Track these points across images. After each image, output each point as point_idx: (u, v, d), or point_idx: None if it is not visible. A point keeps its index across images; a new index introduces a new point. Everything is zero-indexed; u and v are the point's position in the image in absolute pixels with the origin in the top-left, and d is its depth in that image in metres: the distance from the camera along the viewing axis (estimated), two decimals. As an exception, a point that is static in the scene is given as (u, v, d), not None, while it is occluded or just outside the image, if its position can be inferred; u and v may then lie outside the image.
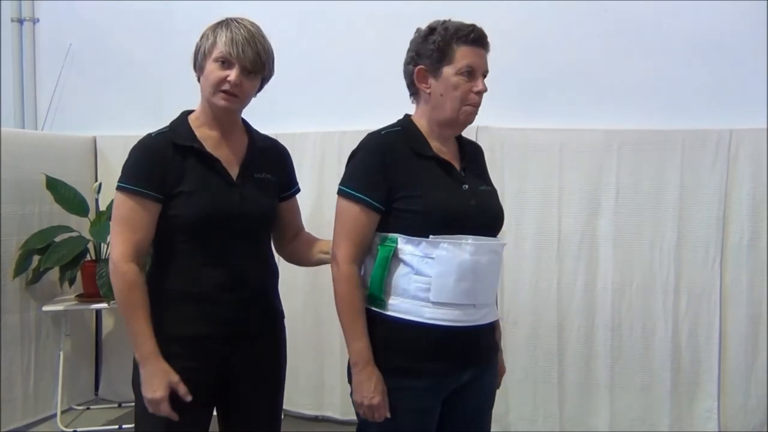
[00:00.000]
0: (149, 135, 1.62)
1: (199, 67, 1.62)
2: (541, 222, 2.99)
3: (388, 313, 1.57)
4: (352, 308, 1.57)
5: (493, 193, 1.68)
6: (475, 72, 1.56)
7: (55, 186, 3.23)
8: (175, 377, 1.55)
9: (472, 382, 1.62)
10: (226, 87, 1.58)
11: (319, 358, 3.34)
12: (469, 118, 1.60)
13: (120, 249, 1.54)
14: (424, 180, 1.55)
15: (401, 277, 1.56)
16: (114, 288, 1.56)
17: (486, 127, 3.01)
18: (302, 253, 1.85)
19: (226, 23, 1.60)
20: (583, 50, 3.04)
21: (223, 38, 1.56)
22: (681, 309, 2.90)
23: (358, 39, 3.32)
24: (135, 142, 1.62)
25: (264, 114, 3.04)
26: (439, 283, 1.53)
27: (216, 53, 1.57)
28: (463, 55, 1.55)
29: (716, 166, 2.84)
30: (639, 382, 2.95)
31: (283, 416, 3.38)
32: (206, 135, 1.64)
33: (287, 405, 3.44)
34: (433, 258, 1.52)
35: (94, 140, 3.70)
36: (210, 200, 1.59)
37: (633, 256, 2.93)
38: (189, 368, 1.58)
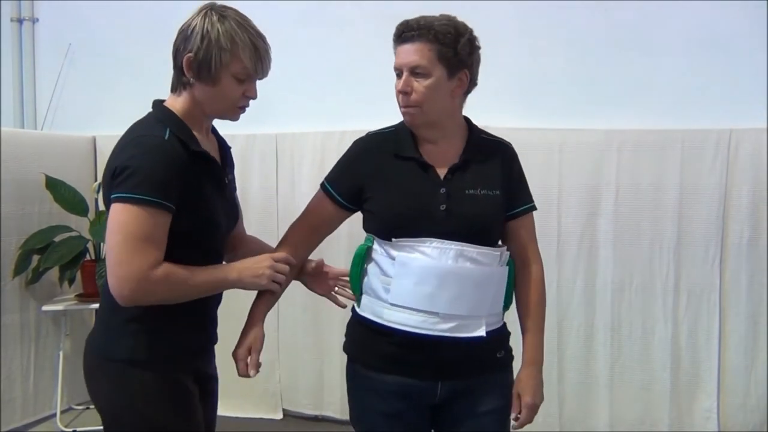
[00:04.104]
0: (161, 138, 1.40)
1: (212, 78, 1.41)
2: (540, 222, 2.92)
3: (357, 310, 1.63)
4: None
5: (484, 198, 1.56)
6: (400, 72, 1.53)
7: (54, 186, 3.23)
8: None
9: (465, 406, 1.58)
10: (243, 103, 1.48)
11: (319, 358, 3.34)
12: (406, 119, 1.56)
13: (145, 261, 1.35)
14: (389, 182, 1.55)
15: (372, 277, 1.59)
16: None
17: (485, 126, 2.99)
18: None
19: (234, 24, 1.42)
20: (583, 50, 3.04)
21: (247, 53, 1.41)
22: (681, 309, 2.90)
23: (358, 39, 3.32)
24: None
25: (264, 114, 3.05)
26: (398, 285, 1.52)
27: (238, 68, 1.42)
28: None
29: (716, 165, 2.84)
30: (639, 382, 2.95)
31: (282, 416, 3.41)
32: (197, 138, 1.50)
33: (287, 405, 3.45)
34: (394, 259, 1.52)
35: (94, 140, 3.70)
36: (219, 208, 1.51)
37: (633, 255, 2.93)
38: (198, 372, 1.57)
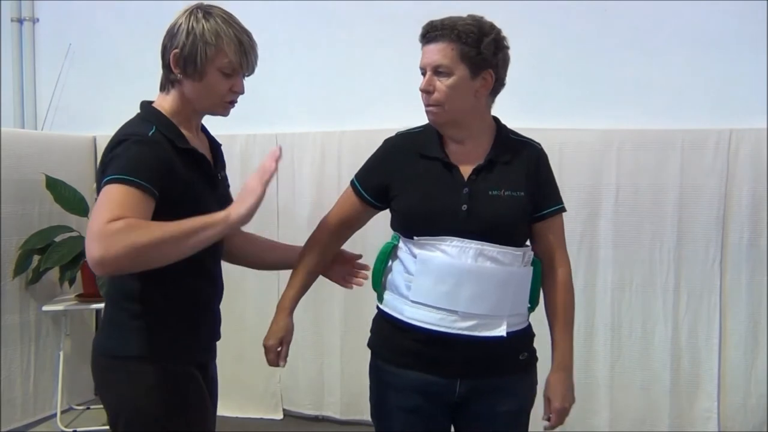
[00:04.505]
0: (146, 135, 1.40)
1: (198, 73, 1.44)
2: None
3: (381, 306, 1.66)
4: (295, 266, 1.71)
5: (507, 199, 1.55)
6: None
7: (54, 186, 3.23)
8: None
9: (484, 405, 1.59)
10: (232, 98, 1.50)
11: (319, 358, 3.34)
12: (429, 118, 1.57)
13: (105, 217, 1.27)
14: (413, 181, 1.58)
15: (396, 274, 1.61)
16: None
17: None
18: (258, 254, 1.75)
19: (219, 21, 1.44)
20: (583, 50, 3.04)
21: (232, 47, 1.43)
22: (681, 309, 2.90)
23: (358, 39, 3.31)
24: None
25: (264, 114, 3.05)
26: (418, 283, 1.54)
27: (223, 62, 1.43)
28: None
29: (716, 166, 2.84)
30: (639, 382, 2.95)
31: (282, 416, 3.41)
32: (186, 136, 1.50)
33: (287, 405, 3.45)
34: (416, 257, 1.55)
35: (94, 140, 3.70)
36: (212, 205, 1.46)
37: (633, 256, 2.93)
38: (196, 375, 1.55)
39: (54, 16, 3.90)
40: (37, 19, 3.93)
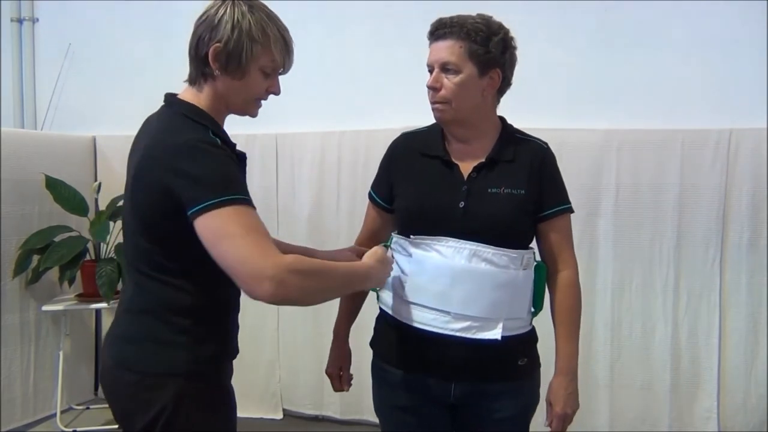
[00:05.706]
0: (214, 143, 1.29)
1: (240, 71, 1.34)
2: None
3: (380, 305, 1.67)
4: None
5: (507, 197, 1.52)
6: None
7: (54, 186, 3.23)
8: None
9: (481, 409, 1.56)
10: (265, 97, 1.42)
11: (319, 358, 3.33)
12: (435, 115, 1.56)
13: (266, 248, 1.21)
14: (413, 179, 1.58)
15: (393, 273, 1.60)
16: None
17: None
18: None
19: (264, 16, 1.37)
20: (583, 50, 3.04)
21: (278, 46, 1.36)
22: (681, 309, 2.90)
23: (357, 39, 3.31)
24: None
25: (264, 114, 3.03)
26: (413, 282, 1.54)
27: (267, 61, 1.36)
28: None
29: (716, 165, 2.84)
30: (639, 382, 2.95)
31: (282, 416, 3.41)
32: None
33: (287, 405, 3.45)
34: (411, 256, 1.55)
35: (94, 140, 3.70)
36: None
37: (633, 255, 2.93)
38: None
39: (54, 16, 3.90)
40: (37, 19, 3.94)
